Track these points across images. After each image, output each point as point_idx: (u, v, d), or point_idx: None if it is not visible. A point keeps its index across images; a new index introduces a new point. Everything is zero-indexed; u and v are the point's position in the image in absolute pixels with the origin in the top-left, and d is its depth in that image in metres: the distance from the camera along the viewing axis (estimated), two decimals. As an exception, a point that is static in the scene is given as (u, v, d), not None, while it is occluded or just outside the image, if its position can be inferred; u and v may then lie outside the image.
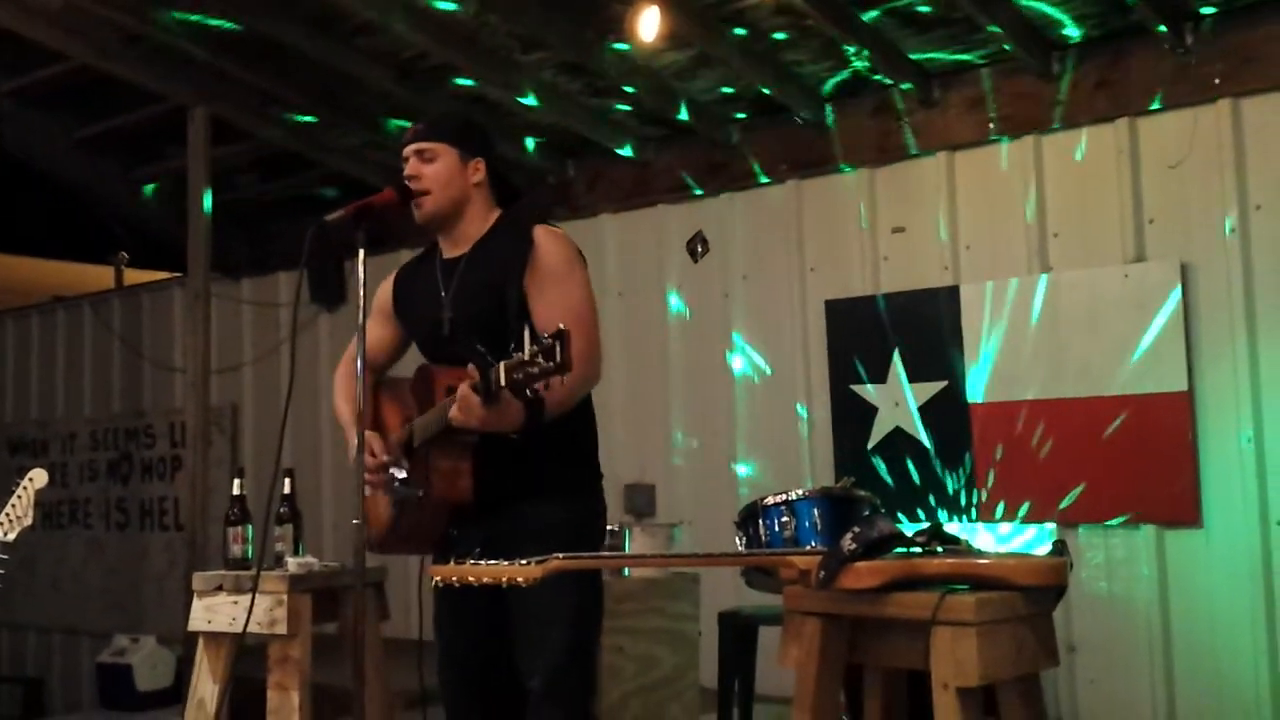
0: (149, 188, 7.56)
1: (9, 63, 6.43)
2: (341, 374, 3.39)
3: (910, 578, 2.62)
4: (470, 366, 2.77)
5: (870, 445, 5.63)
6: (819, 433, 5.85)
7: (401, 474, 3.01)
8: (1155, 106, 5.04)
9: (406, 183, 3.14)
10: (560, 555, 2.58)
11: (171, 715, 5.65)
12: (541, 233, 3.10)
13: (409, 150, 3.17)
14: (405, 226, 3.20)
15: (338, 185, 7.15)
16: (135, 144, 7.27)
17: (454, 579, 2.57)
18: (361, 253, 3.04)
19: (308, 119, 6.50)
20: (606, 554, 3.58)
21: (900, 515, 5.45)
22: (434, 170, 3.13)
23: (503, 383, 2.65)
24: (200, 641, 3.76)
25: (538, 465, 3.02)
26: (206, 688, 3.71)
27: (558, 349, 2.53)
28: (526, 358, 2.57)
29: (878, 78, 5.57)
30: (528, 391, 2.67)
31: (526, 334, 2.60)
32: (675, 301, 6.38)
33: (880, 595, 2.60)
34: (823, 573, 2.62)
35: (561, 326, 2.56)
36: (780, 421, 5.99)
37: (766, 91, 5.68)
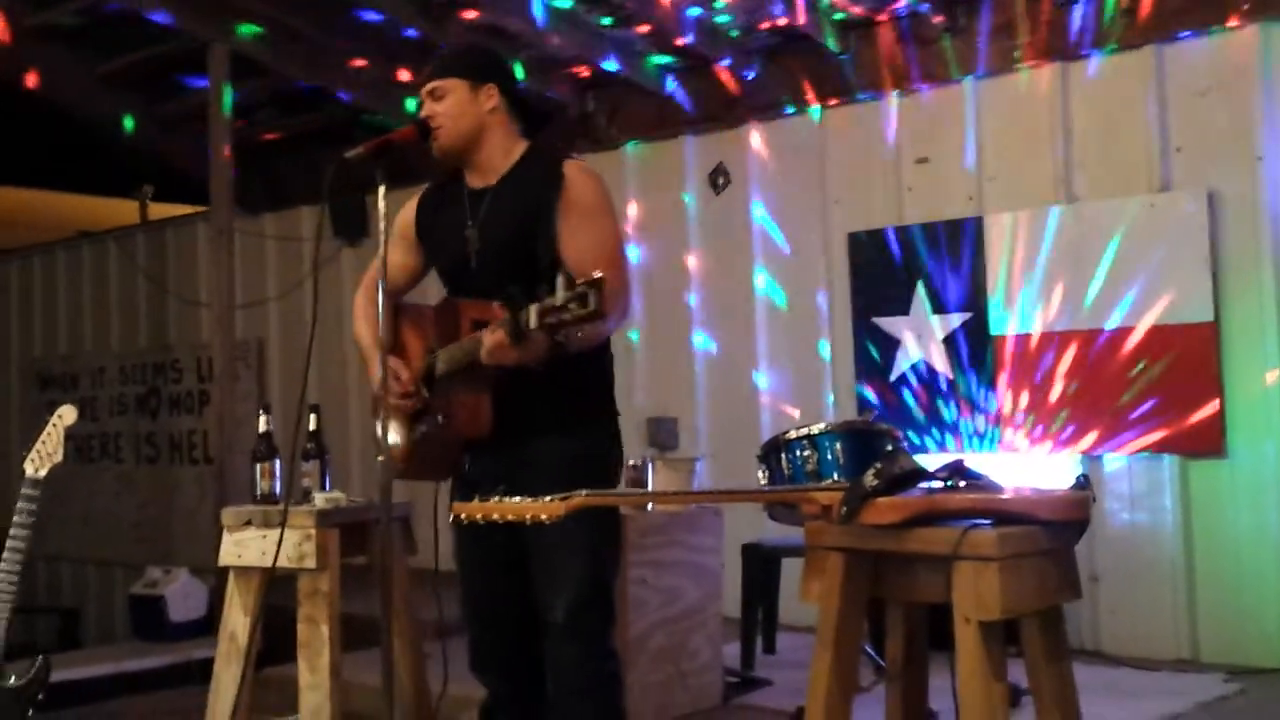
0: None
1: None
2: (362, 298, 3.40)
3: (933, 513, 2.62)
4: (497, 306, 2.78)
5: (894, 377, 5.63)
6: (842, 365, 5.85)
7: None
8: (1182, 33, 4.96)
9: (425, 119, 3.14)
10: (584, 492, 2.59)
11: (204, 645, 5.73)
12: (573, 168, 3.08)
13: (423, 94, 3.16)
14: (426, 162, 3.20)
15: (356, 119, 7.12)
16: (157, 79, 7.25)
17: (478, 516, 2.59)
18: (382, 188, 3.04)
19: (326, 53, 6.46)
20: (629, 491, 3.60)
21: (924, 446, 5.46)
22: (445, 106, 3.11)
23: (534, 325, 2.65)
24: (230, 575, 3.82)
25: (554, 400, 3.03)
26: (238, 620, 3.77)
27: (592, 296, 2.53)
28: (559, 303, 2.57)
29: (902, 4, 5.49)
30: (557, 335, 2.69)
31: (561, 278, 2.59)
32: (697, 234, 6.36)
33: (902, 530, 2.60)
34: (845, 508, 2.62)
35: (597, 274, 2.55)
36: (803, 354, 5.99)
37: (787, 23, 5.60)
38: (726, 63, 6.02)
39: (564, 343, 2.78)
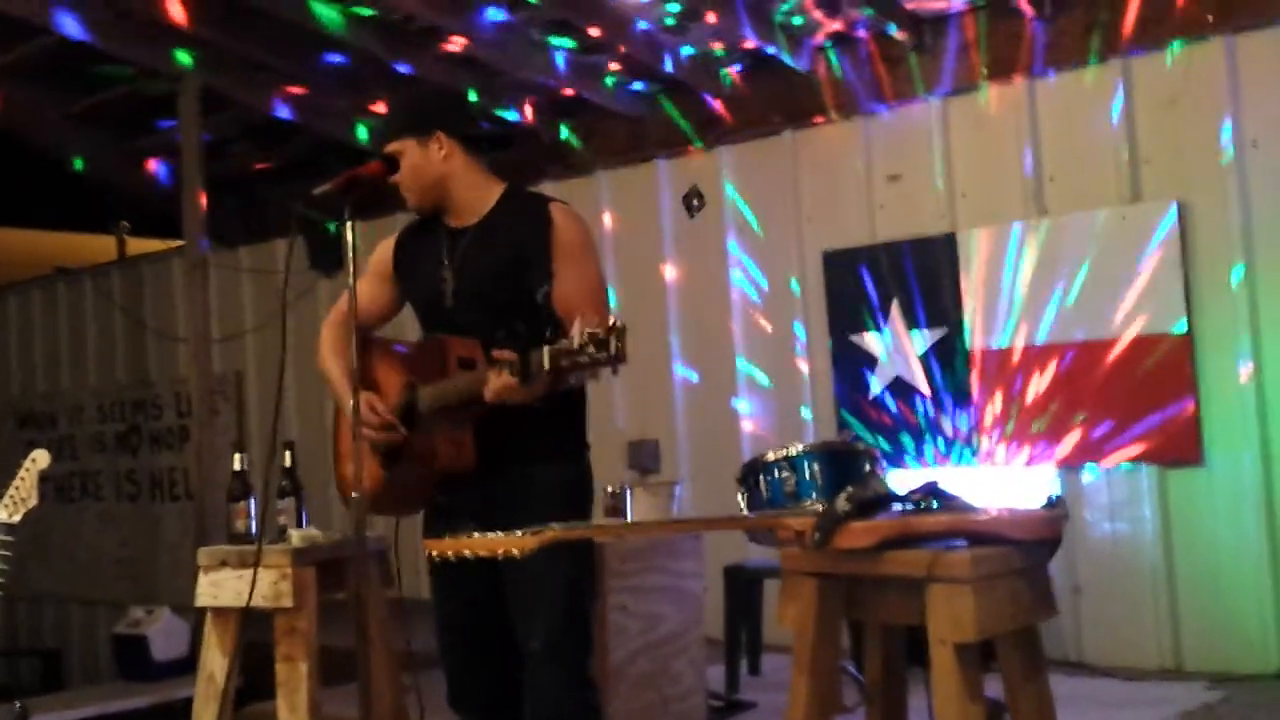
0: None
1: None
2: (329, 331, 3.40)
3: (905, 535, 2.61)
4: (500, 352, 2.79)
5: (872, 395, 5.63)
6: (820, 383, 5.86)
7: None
8: (1148, 45, 4.99)
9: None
10: (555, 526, 2.58)
11: (188, 684, 5.69)
12: (559, 211, 3.10)
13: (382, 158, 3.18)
14: (395, 193, 3.21)
15: (330, 151, 7.11)
16: (129, 116, 7.24)
17: (449, 552, 2.58)
18: (350, 223, 3.04)
19: (297, 86, 6.46)
20: (601, 523, 3.60)
21: (903, 464, 5.47)
22: (404, 169, 3.13)
23: (546, 367, 2.66)
24: (208, 616, 3.79)
25: (535, 432, 3.04)
26: (216, 662, 3.74)
27: (612, 341, 2.55)
28: (575, 346, 2.58)
29: (870, 18, 5.50)
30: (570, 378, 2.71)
31: (578, 323, 2.60)
32: (673, 257, 6.37)
33: (876, 554, 2.59)
34: (817, 533, 2.62)
35: (616, 321, 2.57)
36: (782, 373, 6.00)
37: (756, 45, 5.62)
38: (698, 86, 6.03)
39: (567, 381, 2.81)
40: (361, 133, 6.49)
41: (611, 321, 2.57)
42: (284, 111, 6.52)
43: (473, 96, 6.08)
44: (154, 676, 6.23)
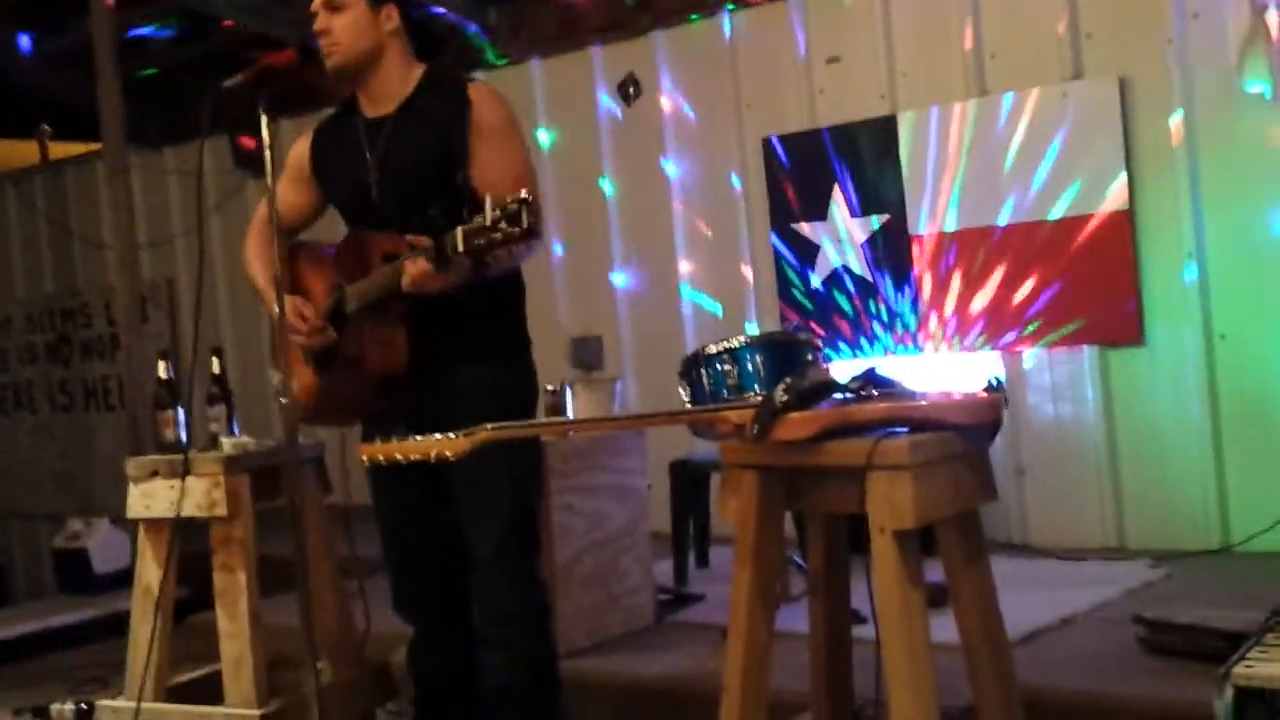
0: None
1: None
2: (253, 238, 3.28)
3: (845, 425, 2.57)
4: (410, 237, 2.70)
5: (815, 283, 5.58)
6: (763, 274, 5.79)
7: None
8: (1090, -84, 4.88)
9: (316, 37, 3.00)
10: (489, 426, 2.51)
11: (130, 595, 5.64)
12: (478, 91, 3.00)
13: (316, 3, 3.02)
14: (315, 86, 3.07)
15: (252, 45, 6.86)
16: (42, 13, 6.95)
17: (380, 457, 2.51)
18: (264, 117, 2.92)
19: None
20: (534, 422, 3.55)
21: (848, 352, 5.44)
22: (343, 21, 2.98)
23: (460, 249, 2.58)
24: (140, 528, 3.72)
25: (470, 330, 2.98)
26: (151, 573, 3.68)
27: (523, 213, 2.48)
28: (488, 223, 2.51)
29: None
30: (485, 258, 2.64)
31: (489, 199, 2.53)
32: (610, 146, 6.23)
33: (815, 444, 2.55)
34: (756, 426, 2.57)
35: (524, 193, 2.49)
36: (725, 264, 5.93)
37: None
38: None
39: (487, 266, 2.73)
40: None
41: (520, 194, 2.49)
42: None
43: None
44: (96, 589, 6.16)
